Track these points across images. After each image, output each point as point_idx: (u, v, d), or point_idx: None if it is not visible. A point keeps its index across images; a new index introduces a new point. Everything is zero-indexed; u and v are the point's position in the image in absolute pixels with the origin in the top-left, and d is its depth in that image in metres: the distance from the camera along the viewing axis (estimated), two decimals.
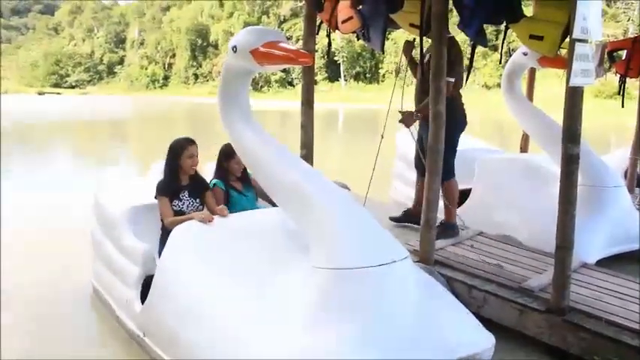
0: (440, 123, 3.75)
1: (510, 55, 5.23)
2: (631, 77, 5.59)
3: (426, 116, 3.88)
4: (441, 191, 4.04)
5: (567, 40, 3.14)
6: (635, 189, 5.70)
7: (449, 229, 4.53)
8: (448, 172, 4.40)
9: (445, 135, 3.78)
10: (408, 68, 4.85)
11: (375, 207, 5.22)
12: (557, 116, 3.60)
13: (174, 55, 57.73)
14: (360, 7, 4.40)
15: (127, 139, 19.55)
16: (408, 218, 4.98)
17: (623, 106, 5.66)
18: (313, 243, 2.65)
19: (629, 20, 33.80)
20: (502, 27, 4.05)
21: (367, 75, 46.27)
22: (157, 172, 3.71)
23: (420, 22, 4.01)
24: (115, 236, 3.68)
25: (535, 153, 5.53)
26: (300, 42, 4.42)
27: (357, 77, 46.38)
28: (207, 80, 52.56)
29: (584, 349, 3.06)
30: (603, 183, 4.53)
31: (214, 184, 3.64)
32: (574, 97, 3.05)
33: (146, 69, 58.77)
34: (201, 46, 55.03)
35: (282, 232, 2.99)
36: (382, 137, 4.59)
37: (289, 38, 34.88)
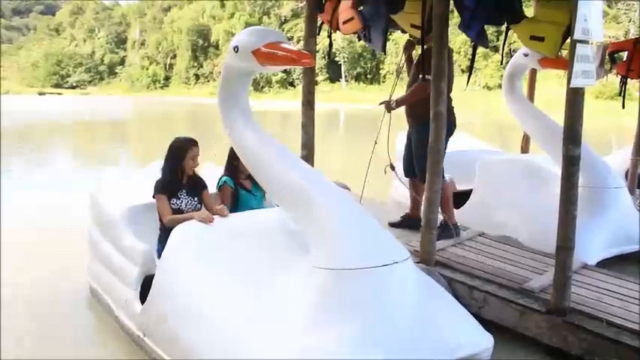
0: (440, 123, 3.76)
1: (511, 56, 5.23)
2: (632, 78, 5.62)
3: (412, 115, 3.91)
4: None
5: (568, 41, 3.15)
6: (636, 190, 5.69)
7: (449, 230, 4.52)
8: None
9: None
10: (404, 65, 4.86)
11: (375, 207, 5.23)
12: (558, 117, 3.60)
13: (175, 56, 57.74)
14: (361, 7, 4.41)
15: (128, 139, 19.57)
16: (406, 223, 4.97)
17: (624, 107, 5.66)
18: (314, 243, 2.65)
19: (630, 21, 33.77)
20: (503, 28, 4.05)
21: (368, 75, 46.24)
22: (155, 168, 3.69)
23: (421, 23, 4.02)
24: (113, 236, 3.67)
25: (536, 154, 5.53)
26: (301, 43, 4.42)
27: (358, 78, 46.36)
28: (209, 81, 52.54)
29: (584, 349, 3.06)
30: (604, 184, 4.53)
31: (224, 182, 3.63)
32: (575, 98, 3.06)
33: (147, 69, 58.78)
34: (202, 46, 55.03)
35: (282, 232, 2.99)
36: (376, 143, 4.64)
37: (290, 39, 34.91)
